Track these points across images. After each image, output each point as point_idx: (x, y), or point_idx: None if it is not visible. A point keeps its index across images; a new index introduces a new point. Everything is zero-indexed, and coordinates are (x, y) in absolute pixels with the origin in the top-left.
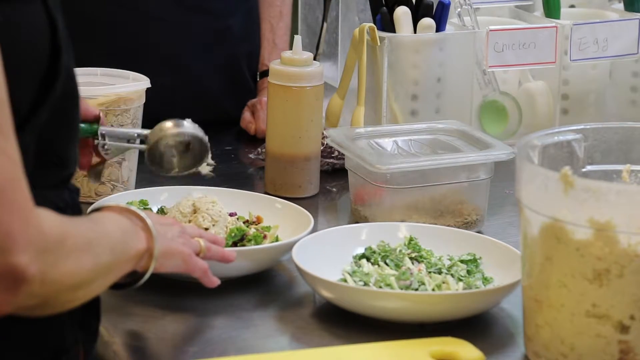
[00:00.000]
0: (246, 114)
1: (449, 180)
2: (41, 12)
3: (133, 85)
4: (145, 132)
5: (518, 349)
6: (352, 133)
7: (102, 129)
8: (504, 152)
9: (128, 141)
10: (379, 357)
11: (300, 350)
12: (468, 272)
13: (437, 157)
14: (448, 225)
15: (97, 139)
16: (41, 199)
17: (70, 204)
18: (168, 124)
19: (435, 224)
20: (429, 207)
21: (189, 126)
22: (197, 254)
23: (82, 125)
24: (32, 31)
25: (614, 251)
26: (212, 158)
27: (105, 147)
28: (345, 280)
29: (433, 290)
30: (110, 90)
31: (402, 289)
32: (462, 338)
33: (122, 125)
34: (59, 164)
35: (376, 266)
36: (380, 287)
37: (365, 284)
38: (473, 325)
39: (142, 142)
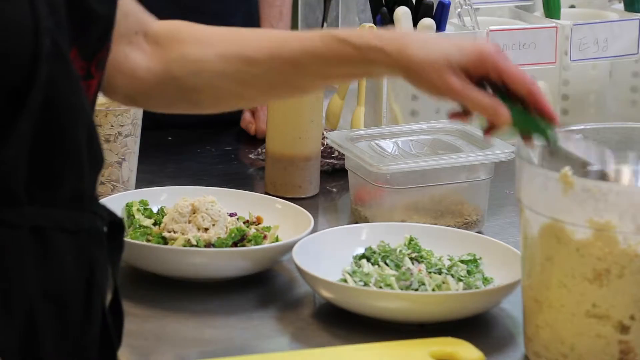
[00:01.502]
0: (246, 114)
1: (449, 181)
2: (26, 13)
3: None
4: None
5: (518, 349)
6: (352, 134)
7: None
8: (504, 152)
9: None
10: (379, 357)
11: (300, 350)
12: (468, 272)
13: (437, 157)
14: (448, 226)
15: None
16: (43, 217)
17: (86, 228)
18: None
19: (436, 224)
20: (429, 207)
21: None
22: None
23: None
24: (7, 36)
25: (614, 251)
26: (213, 158)
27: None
28: (345, 281)
29: (433, 290)
30: None
31: (402, 289)
32: (462, 338)
33: (122, 126)
34: (54, 179)
35: (376, 266)
36: (381, 287)
37: (366, 284)
38: (473, 325)
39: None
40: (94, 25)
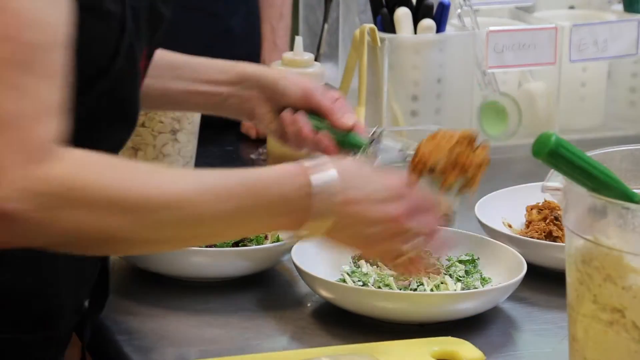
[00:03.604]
0: None
1: None
2: (118, 14)
3: None
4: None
5: (517, 349)
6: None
7: (376, 144)
8: None
9: (396, 155)
10: (379, 357)
11: (300, 350)
12: (466, 272)
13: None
14: None
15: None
16: None
17: None
18: None
19: None
20: None
21: None
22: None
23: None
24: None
25: None
26: (214, 158)
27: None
28: (344, 281)
29: (432, 290)
30: None
31: (400, 289)
32: (462, 338)
33: None
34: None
35: (375, 266)
36: (379, 287)
37: (364, 284)
38: (473, 325)
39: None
40: (161, 28)
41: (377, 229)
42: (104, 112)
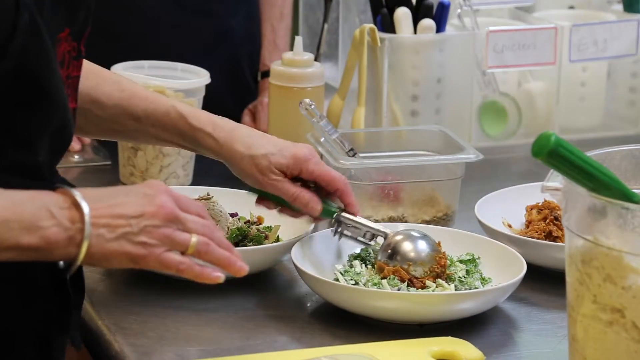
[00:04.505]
0: (246, 118)
1: (412, 179)
2: None
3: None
4: (383, 231)
5: (517, 349)
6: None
7: (342, 216)
8: (460, 157)
9: (364, 235)
10: (379, 357)
11: (300, 350)
12: (466, 272)
13: (399, 157)
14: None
15: (333, 221)
16: None
17: None
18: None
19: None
20: (387, 202)
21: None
22: (183, 252)
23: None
24: None
25: None
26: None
27: (338, 230)
28: (337, 280)
29: (432, 290)
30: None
31: (399, 289)
32: (462, 338)
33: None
34: (14, 146)
35: (370, 266)
36: (373, 285)
37: (356, 284)
38: (473, 325)
39: (372, 237)
40: (82, 7)
41: (146, 221)
42: (15, 95)
